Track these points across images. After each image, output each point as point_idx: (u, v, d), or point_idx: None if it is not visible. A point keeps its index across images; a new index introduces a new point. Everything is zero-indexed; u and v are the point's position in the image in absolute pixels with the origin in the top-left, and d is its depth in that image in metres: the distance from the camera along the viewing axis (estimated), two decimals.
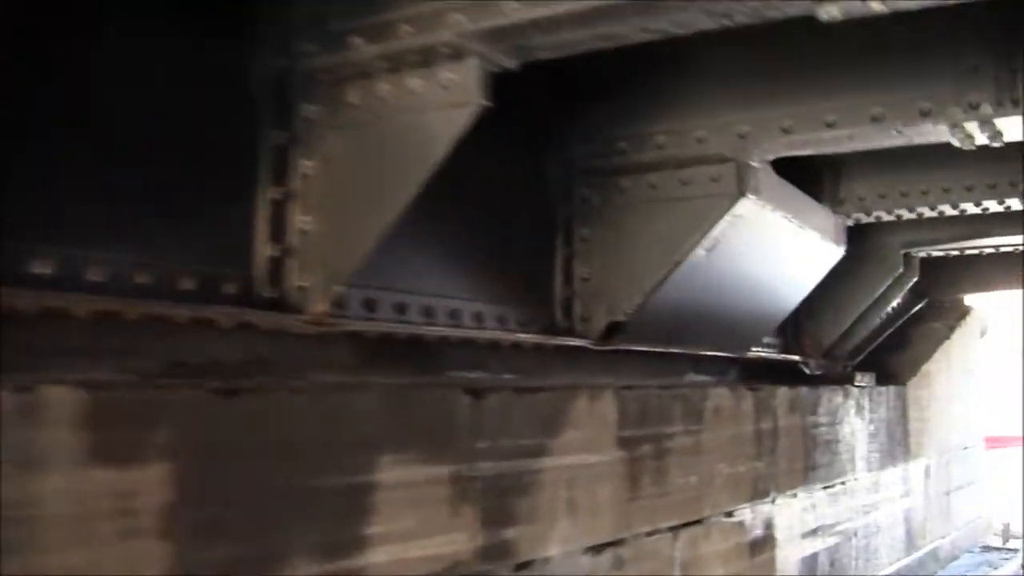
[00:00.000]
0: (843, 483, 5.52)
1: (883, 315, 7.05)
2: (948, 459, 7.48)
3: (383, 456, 2.61)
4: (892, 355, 7.13)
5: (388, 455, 2.62)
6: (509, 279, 3.57)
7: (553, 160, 3.95)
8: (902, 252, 6.01)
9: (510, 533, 3.04)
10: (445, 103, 2.49)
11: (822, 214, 4.87)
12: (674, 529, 3.86)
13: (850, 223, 5.21)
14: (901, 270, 6.00)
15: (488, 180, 3.41)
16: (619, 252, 4.04)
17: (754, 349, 5.56)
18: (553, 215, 3.96)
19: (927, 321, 7.83)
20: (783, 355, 5.91)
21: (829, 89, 3.62)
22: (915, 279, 6.35)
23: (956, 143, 3.60)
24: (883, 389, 6.20)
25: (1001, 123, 3.44)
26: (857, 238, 6.05)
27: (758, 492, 4.52)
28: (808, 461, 5.07)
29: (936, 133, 3.57)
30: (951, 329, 7.79)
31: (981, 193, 4.84)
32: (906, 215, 5.10)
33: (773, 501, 4.67)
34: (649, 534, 3.69)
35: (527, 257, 3.76)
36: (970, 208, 4.98)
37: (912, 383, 6.81)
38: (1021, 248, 6.51)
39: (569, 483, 3.30)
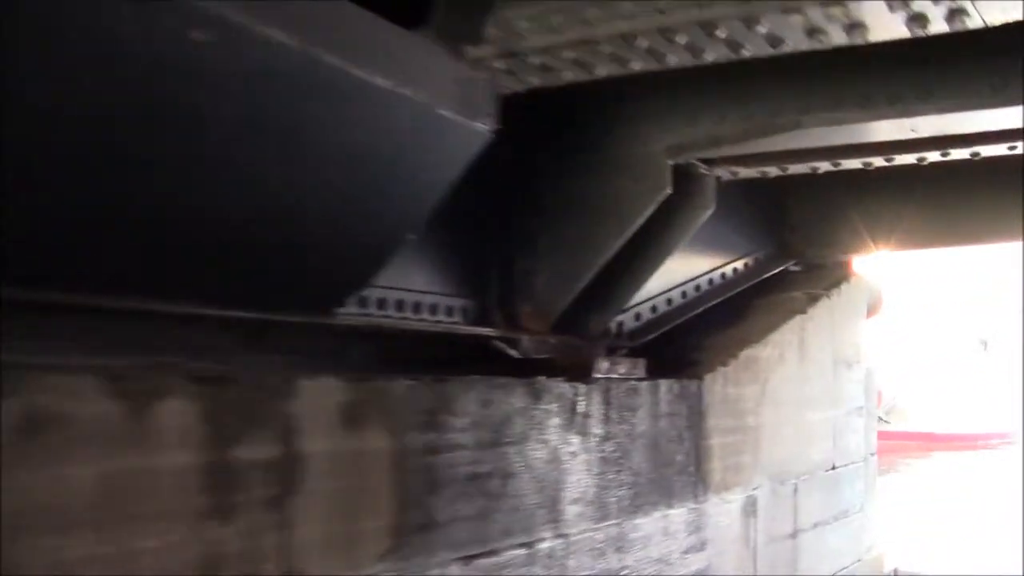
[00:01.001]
0: (526, 546, 3.21)
1: (690, 276, 4.76)
2: (796, 486, 5.17)
3: None
4: (705, 336, 4.82)
5: None
6: None
7: None
8: (669, 163, 3.68)
9: None
10: None
11: (421, 54, 2.54)
12: None
13: (515, 84, 2.89)
14: (668, 191, 3.66)
15: None
16: None
17: (390, 313, 3.25)
18: None
19: (782, 289, 5.52)
20: (468, 328, 3.60)
21: None
22: (709, 210, 4.01)
23: None
24: (642, 386, 3.86)
25: None
26: (596, 138, 3.76)
27: None
28: (411, 515, 2.75)
29: None
30: (813, 300, 5.46)
31: (728, 24, 2.50)
32: (597, 66, 2.76)
33: None
34: None
35: None
36: (708, 51, 2.65)
37: (721, 377, 4.48)
38: (876, 165, 4.19)
39: None
